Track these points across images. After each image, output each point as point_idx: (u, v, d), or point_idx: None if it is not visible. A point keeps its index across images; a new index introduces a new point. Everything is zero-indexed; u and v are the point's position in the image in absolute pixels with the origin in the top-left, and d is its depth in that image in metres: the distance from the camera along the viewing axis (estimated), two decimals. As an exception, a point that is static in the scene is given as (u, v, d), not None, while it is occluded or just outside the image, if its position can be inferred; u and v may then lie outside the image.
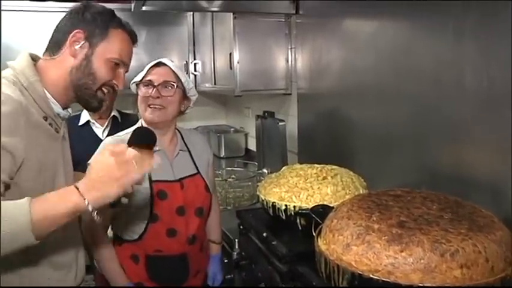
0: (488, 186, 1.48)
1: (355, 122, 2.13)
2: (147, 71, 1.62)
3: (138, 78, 1.62)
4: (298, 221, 1.56)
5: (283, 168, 1.85)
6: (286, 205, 1.57)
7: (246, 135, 3.48)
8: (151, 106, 1.58)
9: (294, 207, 1.56)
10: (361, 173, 1.78)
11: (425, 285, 0.91)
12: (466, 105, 1.53)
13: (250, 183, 2.44)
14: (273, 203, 1.61)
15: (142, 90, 1.59)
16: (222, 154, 3.40)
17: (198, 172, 1.68)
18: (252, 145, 3.22)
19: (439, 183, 1.66)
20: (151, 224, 1.56)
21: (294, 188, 1.62)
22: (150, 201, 1.53)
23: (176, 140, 1.69)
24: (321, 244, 1.14)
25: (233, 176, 2.51)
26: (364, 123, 2.06)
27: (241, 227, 1.84)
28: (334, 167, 1.77)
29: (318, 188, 1.60)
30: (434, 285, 0.91)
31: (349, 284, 1.01)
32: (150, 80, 1.59)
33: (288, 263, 1.42)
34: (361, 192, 1.62)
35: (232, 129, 3.68)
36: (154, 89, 1.57)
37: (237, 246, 1.77)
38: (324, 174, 1.69)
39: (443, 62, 1.59)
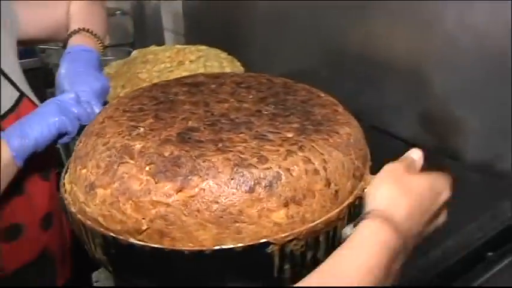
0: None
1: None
2: None
3: None
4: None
5: (133, 52, 1.43)
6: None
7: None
8: None
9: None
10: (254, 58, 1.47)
11: (223, 247, 0.49)
12: None
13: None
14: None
15: None
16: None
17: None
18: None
19: (344, 62, 1.38)
20: None
21: (135, 79, 1.22)
22: None
23: None
24: (66, 183, 0.64)
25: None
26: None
27: None
28: (201, 47, 1.37)
29: (167, 77, 1.16)
30: (242, 244, 0.49)
31: (105, 253, 0.56)
32: None
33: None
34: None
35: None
36: None
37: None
38: (181, 58, 1.28)
39: None
